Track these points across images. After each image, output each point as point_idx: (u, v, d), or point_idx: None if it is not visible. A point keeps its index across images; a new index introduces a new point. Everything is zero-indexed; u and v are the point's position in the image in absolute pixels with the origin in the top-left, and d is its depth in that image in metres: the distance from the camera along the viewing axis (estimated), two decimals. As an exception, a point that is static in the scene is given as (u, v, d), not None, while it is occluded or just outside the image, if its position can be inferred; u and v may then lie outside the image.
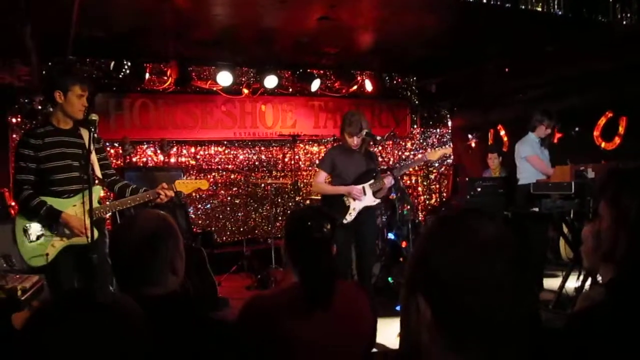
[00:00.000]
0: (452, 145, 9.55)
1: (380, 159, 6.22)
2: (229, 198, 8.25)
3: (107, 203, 3.73)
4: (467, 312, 0.93)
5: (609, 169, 1.66)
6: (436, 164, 9.77)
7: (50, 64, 6.84)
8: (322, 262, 1.96)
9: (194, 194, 7.91)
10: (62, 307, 1.00)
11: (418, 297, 1.00)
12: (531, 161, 5.86)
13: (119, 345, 0.98)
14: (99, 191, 3.74)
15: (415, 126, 9.68)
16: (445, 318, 0.97)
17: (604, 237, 1.63)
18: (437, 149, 7.80)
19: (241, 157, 8.37)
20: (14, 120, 6.88)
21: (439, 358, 0.98)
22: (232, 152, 8.31)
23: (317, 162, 8.60)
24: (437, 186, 9.82)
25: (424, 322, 0.99)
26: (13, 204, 6.72)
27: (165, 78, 7.56)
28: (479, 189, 6.87)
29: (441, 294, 0.97)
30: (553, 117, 5.90)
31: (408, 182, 9.38)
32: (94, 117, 3.47)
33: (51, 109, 3.76)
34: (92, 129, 3.40)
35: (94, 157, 3.71)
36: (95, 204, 3.53)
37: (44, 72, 6.71)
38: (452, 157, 9.71)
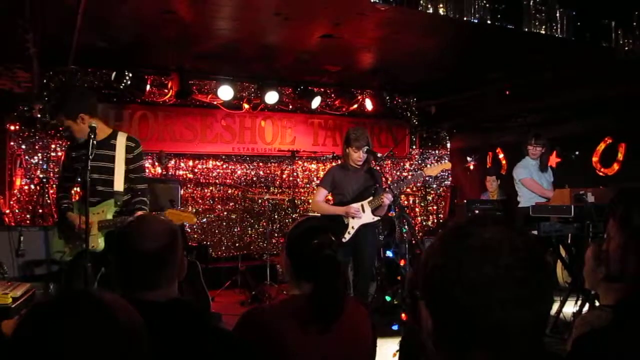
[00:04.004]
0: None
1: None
2: (225, 213, 8.20)
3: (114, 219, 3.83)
4: (461, 316, 0.91)
5: (619, 189, 1.64)
6: (434, 185, 9.76)
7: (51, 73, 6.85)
8: (334, 281, 1.91)
9: (190, 208, 7.87)
10: (58, 307, 0.96)
11: (421, 306, 0.99)
12: (525, 183, 5.89)
13: (117, 345, 0.95)
14: (112, 205, 3.81)
15: (414, 147, 9.68)
16: (442, 324, 0.94)
17: (612, 258, 1.60)
18: (435, 164, 7.77)
19: (239, 172, 8.34)
20: (12, 127, 6.83)
21: None
22: (230, 167, 8.28)
23: (315, 179, 8.63)
24: (435, 208, 9.80)
25: (426, 330, 0.98)
26: (7, 211, 6.68)
27: (166, 90, 7.55)
28: (477, 211, 6.86)
29: (436, 299, 0.95)
30: (540, 137, 5.96)
31: (405, 202, 9.34)
32: (93, 124, 3.49)
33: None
34: (92, 136, 3.42)
35: (121, 169, 3.83)
36: (109, 216, 3.77)
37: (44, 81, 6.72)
38: (450, 177, 9.72)
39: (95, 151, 3.65)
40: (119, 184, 3.79)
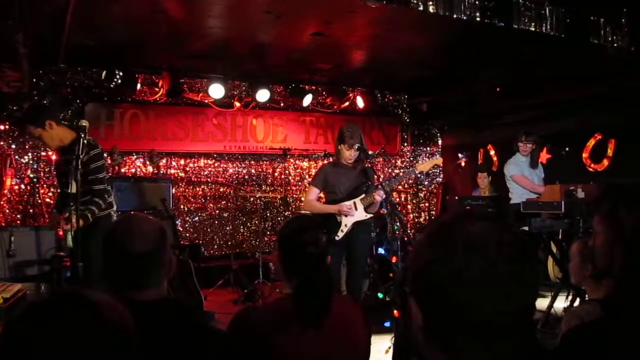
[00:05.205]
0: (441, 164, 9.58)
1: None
2: (217, 211, 8.19)
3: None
4: (449, 310, 0.92)
5: (605, 184, 1.66)
6: (425, 182, 9.79)
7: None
8: (316, 277, 1.92)
9: (182, 206, 7.86)
10: (48, 307, 0.97)
11: (410, 300, 1.00)
12: (517, 180, 5.93)
13: (108, 345, 0.95)
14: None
15: (405, 144, 9.70)
16: (431, 318, 0.96)
17: (598, 253, 1.62)
18: (426, 160, 7.78)
19: (231, 170, 8.33)
20: (1, 127, 6.80)
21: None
22: (222, 165, 8.27)
23: (307, 177, 8.63)
24: (427, 204, 9.83)
25: (416, 325, 0.99)
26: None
27: (157, 89, 7.52)
28: (468, 208, 6.88)
29: (425, 295, 0.96)
30: (531, 134, 6.00)
31: (397, 199, 9.36)
32: (84, 123, 3.49)
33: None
34: (82, 135, 3.42)
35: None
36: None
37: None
38: (442, 174, 9.75)
39: (64, 157, 3.97)
40: (73, 187, 3.87)
